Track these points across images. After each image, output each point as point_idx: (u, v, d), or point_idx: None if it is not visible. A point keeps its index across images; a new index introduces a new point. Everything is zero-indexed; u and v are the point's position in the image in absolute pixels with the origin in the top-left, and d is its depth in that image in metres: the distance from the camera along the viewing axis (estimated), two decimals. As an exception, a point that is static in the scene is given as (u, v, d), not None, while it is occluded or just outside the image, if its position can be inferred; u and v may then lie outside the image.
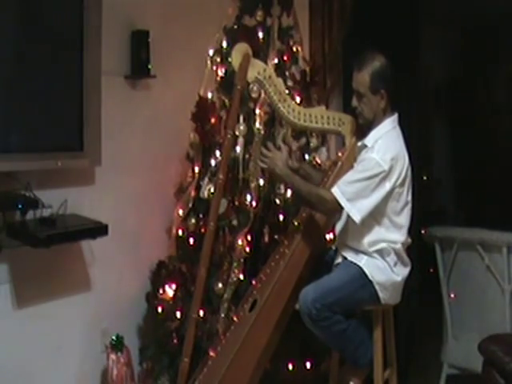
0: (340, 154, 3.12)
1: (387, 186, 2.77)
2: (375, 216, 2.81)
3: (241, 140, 3.32)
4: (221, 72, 3.45)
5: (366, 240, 2.84)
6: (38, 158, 2.87)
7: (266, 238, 3.30)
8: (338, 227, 3.02)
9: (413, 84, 5.12)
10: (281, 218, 3.31)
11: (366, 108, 2.88)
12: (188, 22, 3.67)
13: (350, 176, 2.79)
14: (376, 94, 2.84)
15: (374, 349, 2.88)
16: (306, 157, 3.46)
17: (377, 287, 2.83)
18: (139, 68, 3.43)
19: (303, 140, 3.46)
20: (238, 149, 3.31)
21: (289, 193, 3.30)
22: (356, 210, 2.75)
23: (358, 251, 2.87)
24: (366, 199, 2.75)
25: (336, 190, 2.76)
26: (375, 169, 2.74)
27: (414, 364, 3.99)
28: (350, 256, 2.89)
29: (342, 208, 2.78)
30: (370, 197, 2.75)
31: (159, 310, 3.33)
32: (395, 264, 2.86)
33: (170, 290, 3.34)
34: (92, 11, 3.00)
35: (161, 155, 3.62)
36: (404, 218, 2.89)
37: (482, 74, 6.00)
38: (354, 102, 2.91)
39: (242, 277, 3.20)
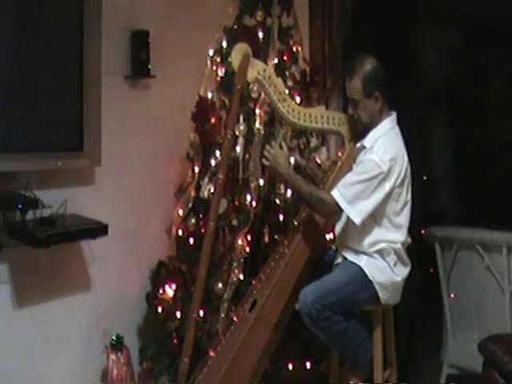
0: (340, 154, 3.12)
1: (387, 186, 2.77)
2: (375, 217, 2.82)
3: (241, 140, 3.32)
4: (221, 72, 3.44)
5: (366, 241, 2.84)
6: (38, 157, 2.87)
7: (266, 238, 3.30)
8: (338, 228, 3.02)
9: (413, 84, 5.12)
10: (281, 218, 3.31)
11: (362, 114, 2.88)
12: (188, 22, 3.67)
13: (349, 178, 2.79)
14: (370, 98, 2.85)
15: (374, 349, 2.88)
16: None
17: (377, 287, 2.83)
18: (139, 68, 3.43)
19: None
20: (238, 149, 3.31)
21: (289, 193, 3.30)
22: (356, 212, 2.75)
23: (358, 252, 2.87)
24: (365, 201, 2.75)
25: (336, 193, 2.77)
26: (374, 170, 2.75)
27: (414, 364, 3.99)
28: (350, 256, 2.89)
29: (342, 210, 2.79)
30: (369, 198, 2.75)
31: (159, 310, 3.33)
32: (395, 264, 2.87)
33: (169, 290, 3.34)
34: (92, 11, 3.00)
35: (161, 155, 3.62)
36: (404, 218, 2.89)
37: (482, 74, 6.00)
38: (351, 110, 2.93)
39: (241, 277, 3.20)
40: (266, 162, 2.99)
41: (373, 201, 2.76)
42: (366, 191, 2.75)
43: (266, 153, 2.97)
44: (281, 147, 3.04)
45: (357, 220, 2.76)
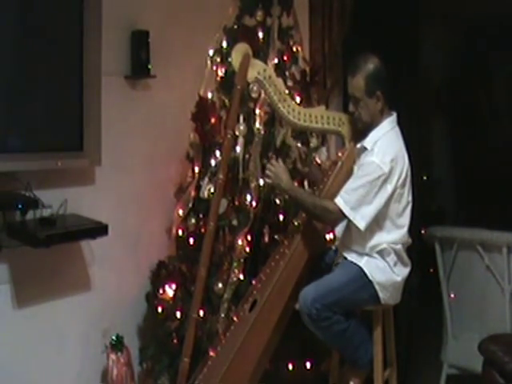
0: (340, 154, 3.11)
1: (389, 188, 2.77)
2: (378, 219, 2.81)
3: (241, 140, 3.32)
4: (221, 72, 3.44)
5: (369, 244, 2.84)
6: (38, 157, 2.87)
7: (266, 238, 3.29)
8: (339, 229, 3.02)
9: (413, 84, 5.12)
10: (281, 218, 3.31)
11: (363, 112, 2.88)
12: (188, 22, 3.67)
13: (351, 183, 2.79)
14: (372, 97, 2.84)
15: (374, 349, 2.88)
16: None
17: (377, 287, 2.83)
18: (139, 68, 3.43)
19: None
20: (238, 149, 3.31)
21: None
22: (360, 218, 2.75)
23: (359, 253, 2.87)
24: (369, 205, 2.75)
25: (339, 200, 2.77)
26: (376, 172, 2.75)
27: (414, 364, 3.99)
28: (351, 256, 2.89)
29: (346, 217, 2.79)
30: (372, 202, 2.75)
31: (159, 310, 3.33)
32: (395, 264, 2.86)
33: (169, 290, 3.34)
34: (92, 11, 3.00)
35: (161, 155, 3.62)
36: (406, 219, 2.89)
37: (482, 74, 6.00)
38: (351, 108, 2.92)
39: (241, 277, 3.20)
40: (268, 180, 3.00)
41: (376, 204, 2.76)
42: (369, 195, 2.74)
43: (267, 171, 2.98)
44: (277, 160, 3.04)
45: (361, 225, 2.76)
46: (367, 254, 2.85)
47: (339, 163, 3.04)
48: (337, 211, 2.77)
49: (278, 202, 3.33)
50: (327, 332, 2.81)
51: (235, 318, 3.02)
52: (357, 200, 2.75)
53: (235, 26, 3.46)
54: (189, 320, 3.04)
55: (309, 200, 2.90)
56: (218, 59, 3.46)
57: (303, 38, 3.72)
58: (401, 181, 2.81)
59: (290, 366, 3.21)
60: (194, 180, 3.43)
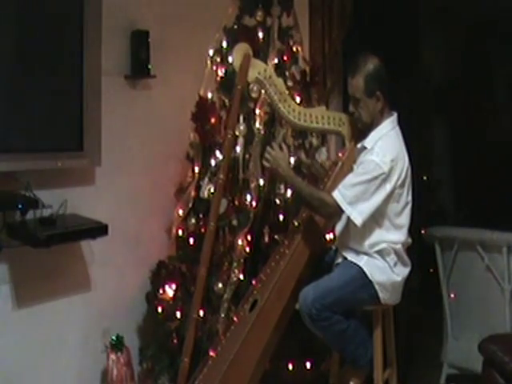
0: (340, 155, 3.12)
1: (387, 187, 2.77)
2: (376, 218, 2.81)
3: (241, 140, 3.32)
4: (221, 72, 3.44)
5: (367, 242, 2.84)
6: (38, 157, 2.87)
7: (266, 238, 3.30)
8: (339, 228, 3.02)
9: (413, 84, 5.13)
10: (281, 218, 3.31)
11: (363, 112, 2.88)
12: (188, 22, 3.67)
13: (350, 179, 2.79)
14: (372, 97, 2.84)
15: (374, 349, 2.88)
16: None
17: (377, 287, 2.83)
18: (139, 68, 3.43)
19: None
20: (238, 149, 3.31)
21: (289, 193, 3.30)
22: (357, 213, 2.75)
23: (358, 252, 2.87)
24: (366, 202, 2.75)
25: (337, 194, 2.76)
26: (375, 171, 2.75)
27: (414, 364, 3.99)
28: (351, 256, 2.89)
29: (343, 211, 2.79)
30: (370, 199, 2.75)
31: (159, 310, 3.33)
32: (395, 264, 2.87)
33: (169, 290, 3.34)
34: (92, 11, 3.00)
35: (161, 155, 3.62)
36: (404, 219, 2.89)
37: (482, 73, 6.00)
38: (351, 108, 2.93)
39: (242, 277, 3.20)
40: (266, 164, 2.99)
41: (374, 202, 2.76)
42: (367, 192, 2.75)
43: (266, 154, 2.97)
44: (281, 148, 3.04)
45: (358, 221, 2.76)
46: (366, 253, 2.85)
47: (339, 163, 3.05)
48: (333, 205, 2.77)
49: (277, 201, 3.33)
50: (327, 332, 2.81)
51: (235, 318, 3.02)
52: (354, 196, 2.75)
53: (235, 26, 3.46)
54: (189, 320, 3.04)
55: (306, 190, 2.89)
56: (218, 59, 3.46)
57: (303, 38, 3.72)
58: (400, 181, 2.81)
59: (290, 366, 3.21)
60: (194, 180, 3.43)
